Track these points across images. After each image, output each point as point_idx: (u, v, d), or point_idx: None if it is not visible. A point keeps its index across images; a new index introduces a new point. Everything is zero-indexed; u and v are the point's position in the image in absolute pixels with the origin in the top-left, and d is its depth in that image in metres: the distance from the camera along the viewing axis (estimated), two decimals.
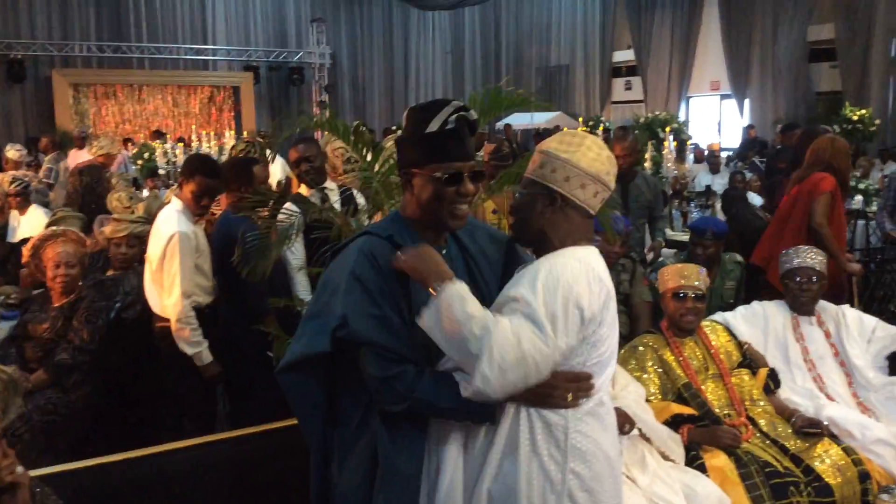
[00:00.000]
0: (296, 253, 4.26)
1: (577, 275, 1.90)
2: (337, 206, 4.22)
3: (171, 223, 4.01)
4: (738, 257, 4.94)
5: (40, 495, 2.17)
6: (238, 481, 2.95)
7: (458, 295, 1.88)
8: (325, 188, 4.49)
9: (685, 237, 6.83)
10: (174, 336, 4.02)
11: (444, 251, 2.11)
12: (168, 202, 4.63)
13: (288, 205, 3.72)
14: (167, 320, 4.07)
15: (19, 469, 2.07)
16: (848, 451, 3.17)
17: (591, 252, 2.01)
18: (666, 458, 3.01)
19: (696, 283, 3.37)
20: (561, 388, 1.92)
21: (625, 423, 2.86)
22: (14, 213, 6.55)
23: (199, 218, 4.21)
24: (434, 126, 1.97)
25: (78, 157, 9.72)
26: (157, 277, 4.04)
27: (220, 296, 4.28)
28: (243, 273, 3.51)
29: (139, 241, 4.71)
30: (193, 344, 4.03)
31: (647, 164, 7.93)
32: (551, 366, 1.87)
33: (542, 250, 2.04)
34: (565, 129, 2.60)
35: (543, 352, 1.83)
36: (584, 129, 11.40)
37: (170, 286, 3.99)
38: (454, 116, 1.97)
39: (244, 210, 3.90)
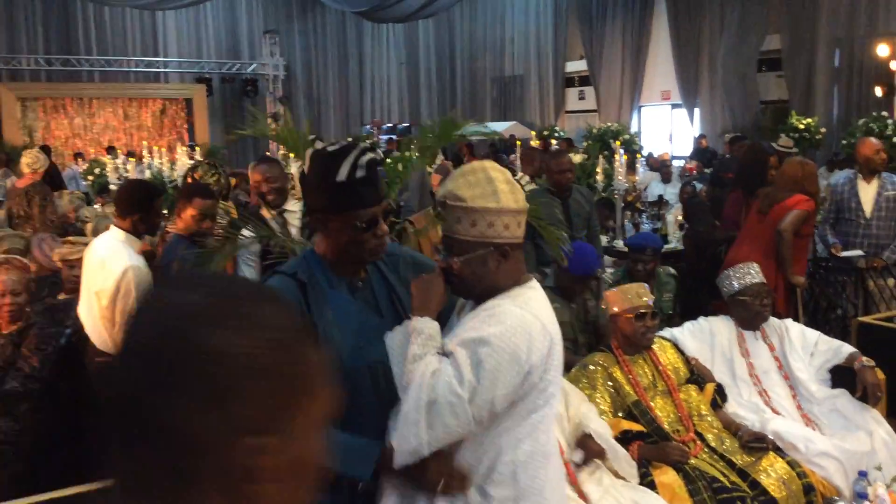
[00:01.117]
0: (249, 268, 4.28)
1: (517, 326, 1.88)
2: (295, 228, 4.22)
3: (120, 256, 3.90)
4: (672, 270, 5.11)
5: None
6: None
7: (416, 330, 1.94)
8: (285, 210, 4.49)
9: None
10: None
11: (359, 283, 2.14)
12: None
13: (244, 230, 3.73)
14: (107, 355, 3.98)
15: None
16: (793, 464, 3.27)
17: (533, 296, 2.00)
18: (617, 475, 3.08)
19: (648, 299, 3.45)
20: (433, 473, 1.90)
21: (602, 453, 2.98)
22: None
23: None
24: (343, 173, 1.96)
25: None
26: (108, 313, 3.94)
27: None
28: None
29: None
30: None
31: (598, 178, 8.04)
32: (472, 415, 1.84)
33: (486, 298, 2.00)
34: (461, 169, 2.57)
35: (459, 397, 1.83)
36: (537, 141, 11.53)
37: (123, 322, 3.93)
38: (364, 160, 1.98)
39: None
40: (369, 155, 2.00)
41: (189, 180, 5.41)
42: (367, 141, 16.06)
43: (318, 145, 2.08)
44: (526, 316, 1.91)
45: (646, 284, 3.59)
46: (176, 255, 4.03)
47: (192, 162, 11.62)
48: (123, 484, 0.81)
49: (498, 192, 1.96)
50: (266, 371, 0.81)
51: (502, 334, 1.86)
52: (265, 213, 4.47)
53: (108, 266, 3.89)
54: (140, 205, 4.01)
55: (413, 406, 1.87)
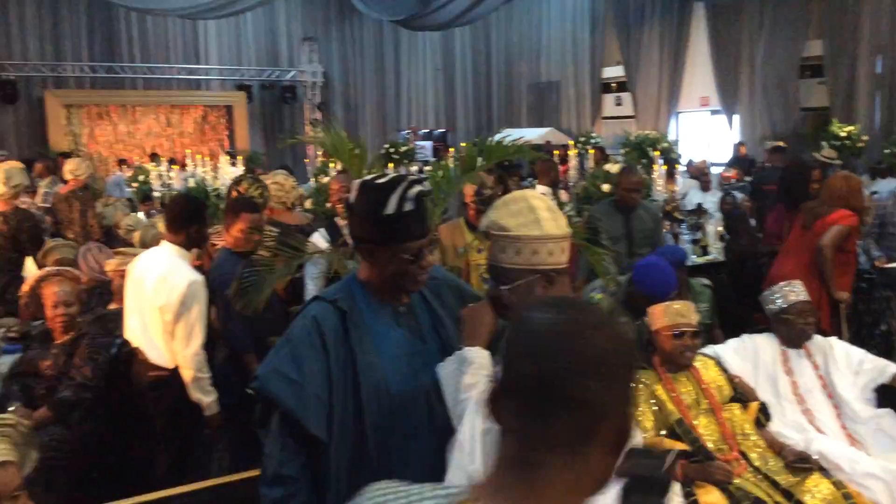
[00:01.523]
0: (317, 266, 4.34)
1: None
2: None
3: (181, 271, 3.99)
4: (706, 281, 5.06)
5: None
6: None
7: (467, 360, 1.97)
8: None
9: None
10: (192, 385, 4.03)
11: (402, 309, 2.17)
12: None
13: (316, 235, 3.80)
14: (162, 370, 4.09)
15: None
16: (838, 484, 3.24)
17: None
18: None
19: (692, 319, 3.44)
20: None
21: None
22: None
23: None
24: (391, 206, 1.99)
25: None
26: (170, 327, 4.00)
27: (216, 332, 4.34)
28: (237, 306, 3.59)
29: None
30: (209, 392, 4.08)
31: None
32: None
33: None
34: (503, 199, 2.60)
35: None
36: (574, 146, 11.51)
37: (188, 336, 3.98)
38: (412, 193, 2.01)
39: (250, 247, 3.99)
40: (417, 188, 2.03)
41: (234, 194, 5.51)
42: (404, 147, 16.16)
43: (368, 177, 2.10)
44: None
45: (692, 304, 3.57)
46: (227, 271, 4.11)
47: (233, 169, 11.81)
48: (528, 443, 1.11)
49: (540, 220, 2.00)
50: (630, 359, 1.15)
51: None
52: (340, 221, 4.58)
53: (171, 281, 3.95)
54: (192, 219, 4.12)
55: (468, 436, 1.90)
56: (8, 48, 16.59)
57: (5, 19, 16.52)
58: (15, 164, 6.45)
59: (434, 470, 2.06)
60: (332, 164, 8.84)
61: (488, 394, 1.18)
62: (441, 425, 2.07)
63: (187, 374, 4.03)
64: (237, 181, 5.49)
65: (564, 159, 11.36)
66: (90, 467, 4.15)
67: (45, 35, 17.03)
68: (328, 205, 6.81)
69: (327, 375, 2.02)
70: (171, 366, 4.08)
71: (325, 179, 7.54)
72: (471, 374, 1.96)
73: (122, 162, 15.39)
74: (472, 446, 1.88)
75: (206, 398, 4.07)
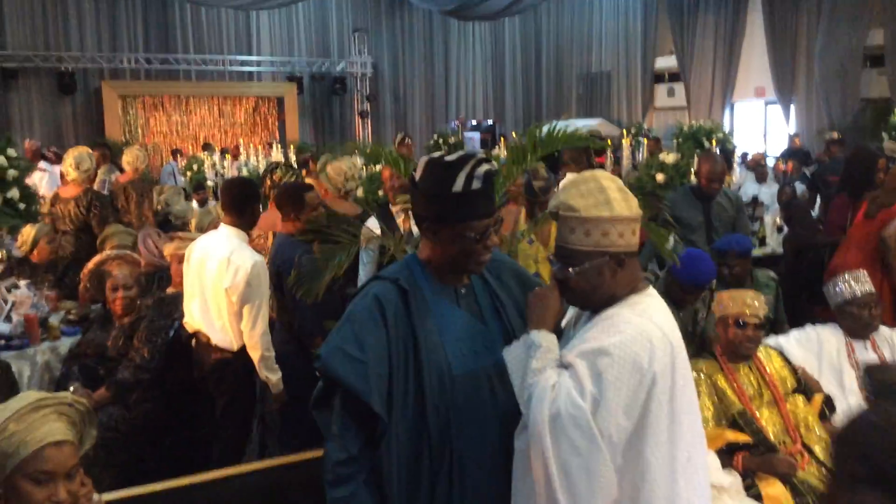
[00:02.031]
0: (369, 252, 4.37)
1: (637, 335, 1.87)
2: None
3: (244, 253, 4.03)
4: (772, 273, 4.93)
5: None
6: None
7: (535, 344, 1.94)
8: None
9: None
10: (261, 364, 4.08)
11: (463, 290, 2.14)
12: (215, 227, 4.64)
13: (371, 221, 3.80)
14: (226, 351, 4.13)
15: (96, 497, 2.16)
16: None
17: (651, 303, 1.99)
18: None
19: (760, 312, 3.36)
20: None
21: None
22: None
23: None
24: (459, 184, 1.96)
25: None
26: (237, 308, 4.03)
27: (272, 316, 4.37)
28: (298, 294, 3.61)
29: None
30: (275, 370, 4.13)
31: (693, 178, 7.87)
32: (596, 428, 1.81)
33: (603, 307, 1.99)
34: (571, 179, 2.54)
35: (580, 408, 1.82)
36: (627, 138, 11.35)
37: (255, 316, 4.01)
38: (481, 172, 1.98)
39: (306, 235, 4.01)
40: (485, 166, 2.00)
41: (268, 182, 5.55)
42: (452, 138, 16.12)
43: (436, 155, 2.07)
44: (646, 324, 1.90)
45: (762, 295, 3.48)
46: (290, 256, 4.14)
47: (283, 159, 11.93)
48: None
49: (611, 200, 1.95)
50: None
51: (622, 343, 1.85)
52: (393, 207, 4.59)
53: (236, 263, 3.97)
54: (249, 201, 4.18)
55: (536, 420, 1.87)
56: (66, 40, 16.94)
57: (64, 12, 16.87)
58: (84, 150, 6.64)
59: (497, 455, 2.04)
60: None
61: (843, 478, 1.30)
62: (504, 410, 2.04)
63: (255, 354, 4.07)
64: (271, 170, 5.50)
65: (602, 151, 11.17)
66: (148, 447, 4.23)
67: (101, 27, 17.35)
68: (380, 192, 6.84)
69: (388, 354, 2.01)
70: (234, 347, 4.12)
71: (377, 167, 7.54)
72: (538, 358, 1.93)
73: (175, 152, 15.64)
74: (541, 431, 1.85)
75: (274, 376, 4.11)
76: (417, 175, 2.06)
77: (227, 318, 4.09)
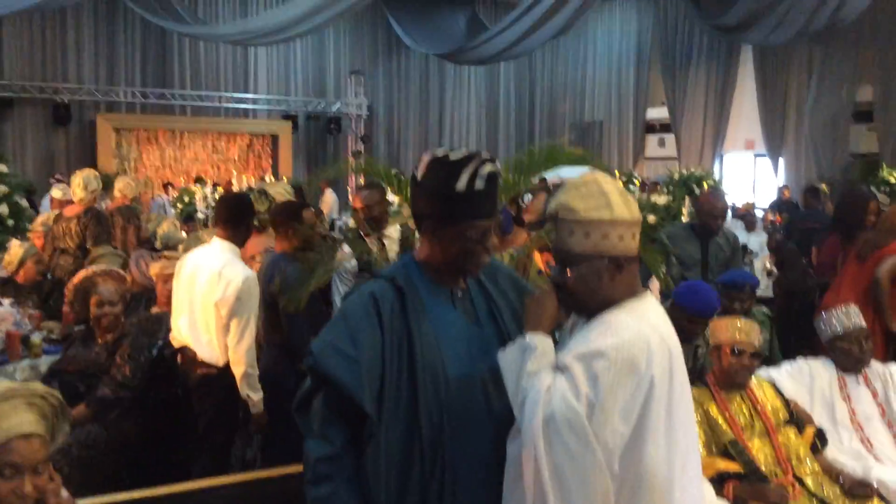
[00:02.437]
0: (340, 291, 4.36)
1: (634, 338, 1.83)
2: (394, 253, 4.27)
3: (236, 267, 3.98)
4: (766, 309, 4.93)
5: None
6: None
7: (530, 347, 1.90)
8: (384, 235, 4.56)
9: None
10: (243, 381, 4.00)
11: (459, 293, 2.10)
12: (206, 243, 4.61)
13: (344, 247, 3.79)
14: (211, 367, 4.06)
15: (64, 493, 2.09)
16: None
17: (649, 307, 1.95)
18: None
19: (755, 340, 3.33)
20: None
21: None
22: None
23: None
24: (462, 182, 1.94)
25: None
26: (225, 322, 3.96)
27: (262, 335, 4.32)
28: (281, 303, 3.57)
29: None
30: (258, 389, 4.03)
31: (684, 220, 7.90)
32: (592, 432, 1.77)
33: (599, 311, 1.96)
34: (566, 181, 2.52)
35: (575, 412, 1.78)
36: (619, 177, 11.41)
37: (242, 331, 3.94)
38: (485, 172, 1.95)
39: (296, 249, 3.98)
40: (489, 167, 1.97)
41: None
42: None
43: (440, 153, 2.05)
44: (643, 327, 1.86)
45: (757, 325, 3.45)
46: (278, 270, 4.11)
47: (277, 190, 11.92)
48: None
49: (611, 203, 1.92)
50: None
51: (619, 346, 1.81)
52: (367, 238, 4.56)
53: (227, 276, 3.92)
54: (245, 215, 4.16)
55: (529, 423, 1.82)
56: (63, 71, 17.02)
57: (62, 43, 16.97)
58: (91, 171, 6.78)
59: (490, 460, 1.99)
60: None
61: None
62: (498, 415, 1.99)
63: (239, 370, 3.99)
64: (238, 194, 5.50)
65: None
66: (126, 467, 4.13)
67: (99, 59, 17.44)
68: (350, 222, 6.80)
69: (381, 353, 1.96)
70: (220, 363, 4.05)
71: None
72: (533, 361, 1.88)
73: (167, 185, 15.61)
74: (534, 435, 1.80)
75: (255, 395, 4.02)
76: (420, 172, 2.03)
77: (214, 332, 4.01)
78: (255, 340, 4.03)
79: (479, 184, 1.94)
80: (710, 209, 5.29)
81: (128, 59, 17.73)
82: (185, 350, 4.17)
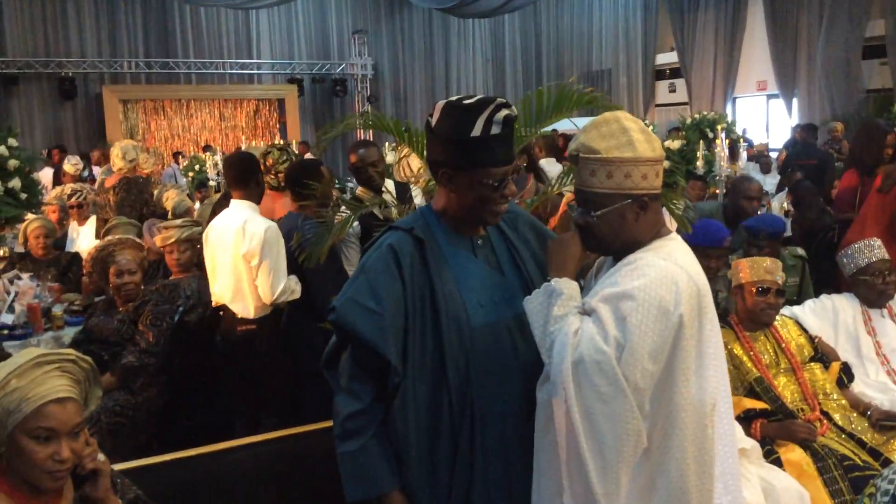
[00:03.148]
0: (351, 260, 4.35)
1: (662, 277, 1.81)
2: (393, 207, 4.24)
3: (256, 220, 4.08)
4: (800, 251, 4.86)
5: (121, 484, 2.21)
6: (303, 477, 2.95)
7: (556, 292, 1.87)
8: (382, 191, 4.52)
9: None
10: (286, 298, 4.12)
11: (479, 241, 2.08)
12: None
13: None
14: (251, 323, 4.14)
15: (101, 457, 2.10)
16: None
17: (676, 247, 1.92)
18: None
19: (778, 277, 3.30)
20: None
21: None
22: (73, 224, 6.70)
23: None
24: (478, 128, 1.89)
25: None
26: (256, 273, 4.04)
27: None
28: (300, 259, 3.59)
29: (191, 245, 4.79)
30: (296, 291, 4.14)
31: (699, 164, 7.83)
32: (621, 374, 1.76)
33: (626, 253, 1.94)
34: (592, 121, 2.46)
35: (604, 353, 1.76)
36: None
37: (273, 276, 4.03)
38: (500, 117, 1.90)
39: (309, 208, 3.96)
40: (505, 111, 1.91)
41: (262, 167, 5.49)
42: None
43: (453, 99, 1.99)
44: (670, 267, 1.83)
45: (780, 262, 3.42)
46: (294, 226, 4.11)
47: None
48: None
49: (633, 141, 1.88)
50: None
51: (647, 287, 1.79)
52: (361, 192, 4.52)
53: (250, 230, 4.03)
54: (252, 172, 4.24)
55: (558, 368, 1.80)
56: (66, 46, 16.92)
57: (64, 18, 16.86)
58: (129, 142, 7.08)
59: (519, 408, 1.98)
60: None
61: None
62: (525, 362, 1.98)
63: (281, 304, 4.15)
64: (264, 154, 5.46)
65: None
66: (155, 434, 4.17)
67: (101, 32, 17.32)
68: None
69: (404, 305, 1.94)
70: (252, 315, 4.15)
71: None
72: (560, 305, 1.86)
73: (177, 154, 15.60)
74: (563, 379, 1.79)
75: (297, 292, 4.14)
76: (434, 119, 1.98)
77: (246, 287, 4.11)
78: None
79: (496, 129, 1.90)
80: (745, 191, 5.06)
81: (130, 30, 17.59)
82: (225, 309, 4.23)
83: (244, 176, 4.18)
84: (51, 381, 1.95)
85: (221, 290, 4.23)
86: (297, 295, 4.17)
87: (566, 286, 1.90)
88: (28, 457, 1.91)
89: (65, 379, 1.98)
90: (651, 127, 16.97)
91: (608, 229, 1.93)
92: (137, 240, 4.86)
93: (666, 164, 7.55)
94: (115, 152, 6.70)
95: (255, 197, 4.22)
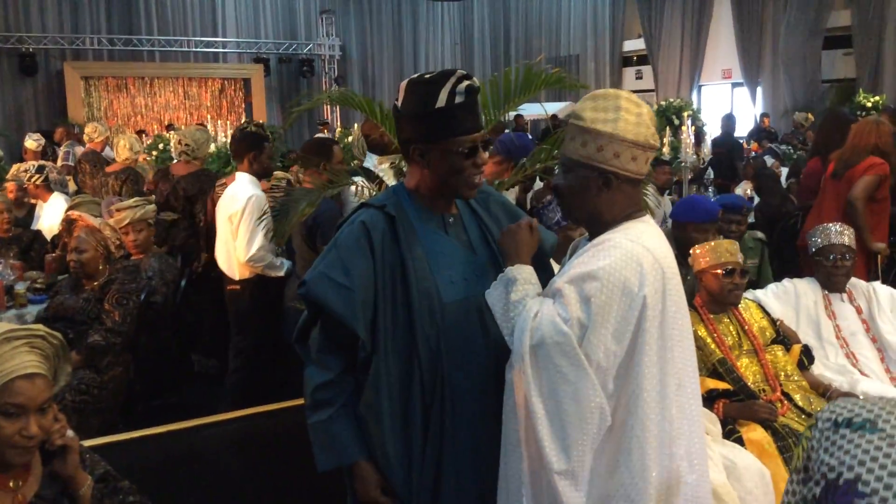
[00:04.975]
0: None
1: (626, 258, 1.82)
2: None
3: (246, 188, 4.51)
4: (759, 234, 4.95)
5: (90, 460, 2.20)
6: (276, 454, 2.96)
7: (511, 280, 1.92)
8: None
9: None
10: (265, 272, 4.55)
11: (451, 219, 2.11)
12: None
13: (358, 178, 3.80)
14: (238, 283, 4.59)
15: (69, 433, 2.09)
16: None
17: (645, 229, 1.93)
18: None
19: (739, 257, 3.37)
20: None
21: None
22: (37, 201, 6.59)
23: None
24: (442, 99, 1.93)
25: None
26: (237, 232, 4.47)
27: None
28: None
29: (146, 225, 4.78)
30: (278, 267, 4.59)
31: (665, 150, 7.91)
32: (584, 354, 1.78)
33: (596, 228, 1.97)
34: (594, 92, 2.50)
35: (565, 335, 1.78)
36: None
37: (249, 238, 4.42)
38: (462, 87, 1.94)
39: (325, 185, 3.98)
40: (466, 82, 1.96)
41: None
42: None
43: (415, 76, 2.03)
44: (636, 248, 1.85)
45: (737, 242, 3.49)
46: (320, 210, 4.16)
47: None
48: None
49: (619, 119, 1.89)
50: None
51: (611, 267, 1.81)
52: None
53: (237, 196, 4.51)
54: (250, 147, 4.61)
55: (519, 351, 1.83)
56: (27, 21, 16.57)
57: None
58: (134, 135, 7.95)
59: (489, 386, 2.01)
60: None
61: None
62: (495, 338, 2.00)
63: (251, 267, 4.53)
64: (242, 129, 5.44)
65: None
66: (120, 413, 4.14)
67: (63, 8, 16.99)
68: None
69: (374, 281, 1.97)
70: (236, 276, 4.60)
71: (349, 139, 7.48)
72: (515, 291, 1.90)
73: (140, 133, 15.35)
74: (522, 364, 1.82)
75: (280, 271, 4.59)
76: (399, 100, 2.02)
77: (232, 249, 4.55)
78: (269, 251, 4.51)
79: (459, 98, 1.94)
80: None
81: (92, 6, 17.27)
82: (224, 273, 4.71)
83: (240, 150, 4.65)
84: (19, 357, 1.93)
85: (218, 252, 4.71)
86: (280, 273, 4.56)
87: (519, 272, 1.94)
88: None
89: (34, 355, 1.96)
90: None
91: (571, 197, 1.98)
92: (92, 219, 4.77)
93: None
94: (122, 143, 7.11)
95: (254, 170, 4.61)
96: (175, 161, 6.57)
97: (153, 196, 6.07)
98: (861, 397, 3.16)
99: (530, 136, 12.97)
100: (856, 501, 1.06)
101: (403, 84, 2.03)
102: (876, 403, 1.14)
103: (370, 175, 4.13)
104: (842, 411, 1.16)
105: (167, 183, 6.06)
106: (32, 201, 6.70)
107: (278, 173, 5.78)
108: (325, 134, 13.65)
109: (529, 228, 2.03)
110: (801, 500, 1.17)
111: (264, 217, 4.28)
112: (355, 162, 5.06)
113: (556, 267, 2.21)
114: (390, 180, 4.24)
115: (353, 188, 4.09)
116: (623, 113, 1.90)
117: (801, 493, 1.18)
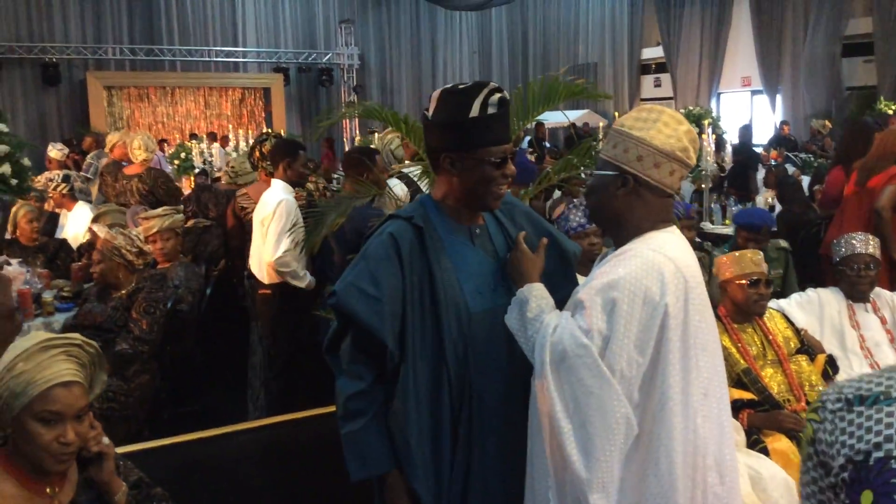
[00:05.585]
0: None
1: (647, 267, 1.83)
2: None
3: (277, 194, 4.68)
4: (783, 243, 4.94)
5: (124, 467, 2.24)
6: (302, 463, 2.99)
7: (524, 300, 1.96)
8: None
9: (726, 230, 6.82)
10: (289, 280, 4.66)
11: (477, 230, 2.13)
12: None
13: (395, 181, 3.88)
14: (269, 287, 4.71)
15: (105, 440, 2.13)
16: None
17: (668, 239, 1.94)
18: None
19: (764, 267, 3.38)
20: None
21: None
22: (62, 210, 6.68)
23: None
24: (475, 109, 1.96)
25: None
26: (266, 236, 4.61)
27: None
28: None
29: (174, 234, 4.83)
30: (302, 278, 4.71)
31: None
32: (606, 365, 1.79)
33: (618, 235, 1.99)
34: (642, 104, 2.54)
35: (585, 347, 1.79)
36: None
37: (276, 241, 4.57)
38: (495, 99, 1.98)
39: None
40: (499, 94, 2.00)
41: (257, 153, 5.52)
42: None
43: (448, 86, 2.07)
44: (657, 257, 1.86)
45: (761, 253, 3.50)
46: (358, 222, 4.20)
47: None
48: None
49: (653, 128, 1.92)
50: None
51: (632, 276, 1.82)
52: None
53: (268, 200, 4.71)
54: (283, 155, 4.78)
55: (541, 366, 1.85)
56: (50, 31, 16.78)
57: (48, 3, 16.71)
58: (147, 134, 7.60)
59: (517, 393, 2.03)
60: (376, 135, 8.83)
61: None
62: (522, 349, 2.02)
63: (282, 274, 4.66)
64: (261, 140, 5.50)
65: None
66: (147, 421, 4.18)
67: (86, 18, 17.20)
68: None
69: (402, 292, 2.00)
70: (265, 280, 4.74)
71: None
72: (530, 309, 1.94)
73: (161, 142, 15.51)
74: (545, 382, 1.84)
75: (302, 283, 4.72)
76: (430, 109, 2.05)
77: (262, 251, 4.69)
78: (295, 259, 4.63)
79: (492, 109, 1.98)
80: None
81: (115, 16, 17.47)
82: (253, 277, 4.84)
83: (274, 158, 4.86)
84: (57, 365, 1.97)
85: (252, 257, 4.85)
86: (302, 284, 4.68)
87: (531, 291, 1.98)
88: (34, 439, 1.94)
89: (70, 363, 2.01)
90: None
91: (591, 194, 2.05)
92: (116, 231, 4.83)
93: None
94: (137, 144, 7.11)
95: (287, 177, 4.76)
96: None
97: (181, 206, 6.18)
98: None
99: (548, 145, 12.93)
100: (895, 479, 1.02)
101: (436, 93, 2.07)
102: (881, 375, 1.11)
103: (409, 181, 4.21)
104: (849, 389, 1.12)
105: (209, 193, 6.43)
106: (57, 210, 6.80)
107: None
108: (376, 140, 13.73)
109: (528, 251, 2.07)
110: (829, 487, 1.11)
111: (295, 229, 4.41)
112: (394, 166, 5.13)
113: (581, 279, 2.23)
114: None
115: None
116: (660, 125, 1.93)
117: (825, 482, 1.12)
